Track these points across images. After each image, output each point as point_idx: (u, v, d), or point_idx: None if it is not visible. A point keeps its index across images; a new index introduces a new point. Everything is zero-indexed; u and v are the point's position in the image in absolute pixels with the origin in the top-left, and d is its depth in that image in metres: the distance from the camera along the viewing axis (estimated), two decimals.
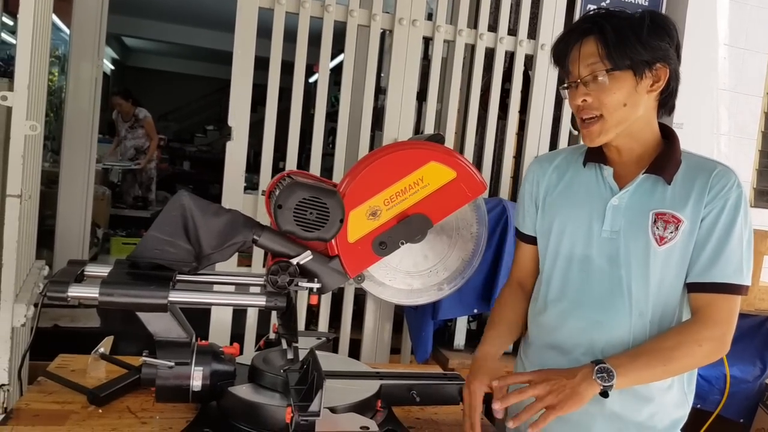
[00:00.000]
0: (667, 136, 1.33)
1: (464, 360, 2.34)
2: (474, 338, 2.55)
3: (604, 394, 1.16)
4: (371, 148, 2.64)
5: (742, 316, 1.27)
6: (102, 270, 1.25)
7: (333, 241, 1.30)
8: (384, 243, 1.33)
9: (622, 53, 1.21)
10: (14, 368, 1.64)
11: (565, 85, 1.30)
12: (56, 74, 5.71)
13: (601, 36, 1.22)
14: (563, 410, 1.12)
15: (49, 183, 3.98)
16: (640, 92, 1.24)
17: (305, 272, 1.29)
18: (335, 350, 2.56)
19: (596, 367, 1.16)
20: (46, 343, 1.95)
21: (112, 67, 10.57)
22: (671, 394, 1.32)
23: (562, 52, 1.29)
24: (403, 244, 1.34)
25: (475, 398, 1.26)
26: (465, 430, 1.25)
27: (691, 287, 1.27)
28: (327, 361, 1.47)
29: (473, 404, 1.26)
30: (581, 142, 1.44)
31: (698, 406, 2.58)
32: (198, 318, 1.99)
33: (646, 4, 2.81)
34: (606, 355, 1.24)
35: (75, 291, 1.15)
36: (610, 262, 1.30)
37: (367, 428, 1.12)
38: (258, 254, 2.43)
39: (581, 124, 1.30)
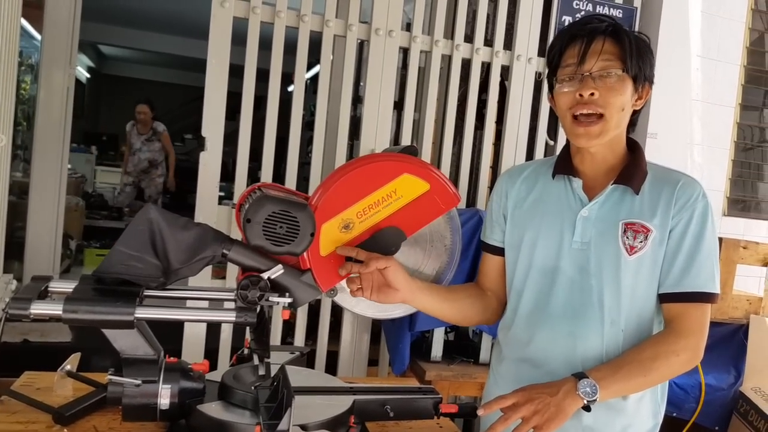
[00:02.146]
0: (632, 148, 1.35)
1: (441, 371, 2.33)
2: (451, 350, 2.54)
3: (587, 408, 1.16)
4: (348, 157, 2.63)
5: (716, 324, 1.28)
6: (67, 286, 1.21)
7: (305, 254, 1.28)
8: None
9: (636, 60, 1.24)
10: None
11: (564, 77, 1.28)
12: (29, 83, 5.61)
13: (624, 39, 1.25)
14: (550, 429, 1.12)
15: (21, 193, 3.91)
16: (631, 103, 1.28)
17: (276, 286, 1.26)
18: (311, 363, 2.53)
19: (579, 382, 1.16)
20: (15, 359, 1.90)
21: (88, 76, 10.45)
22: (644, 405, 1.32)
23: (580, 41, 1.26)
24: None
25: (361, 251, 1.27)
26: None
27: (664, 297, 1.28)
28: (300, 376, 1.45)
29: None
30: (557, 152, 1.44)
31: (674, 414, 2.60)
32: (171, 333, 1.96)
33: (621, 16, 2.84)
34: (581, 366, 1.24)
35: (38, 308, 1.11)
36: (581, 273, 1.30)
37: None
38: (233, 266, 2.40)
39: (574, 123, 1.28)
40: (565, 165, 1.36)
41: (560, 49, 1.30)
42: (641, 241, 1.26)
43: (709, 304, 1.26)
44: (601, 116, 1.25)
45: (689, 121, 3.08)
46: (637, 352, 1.24)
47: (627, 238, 1.27)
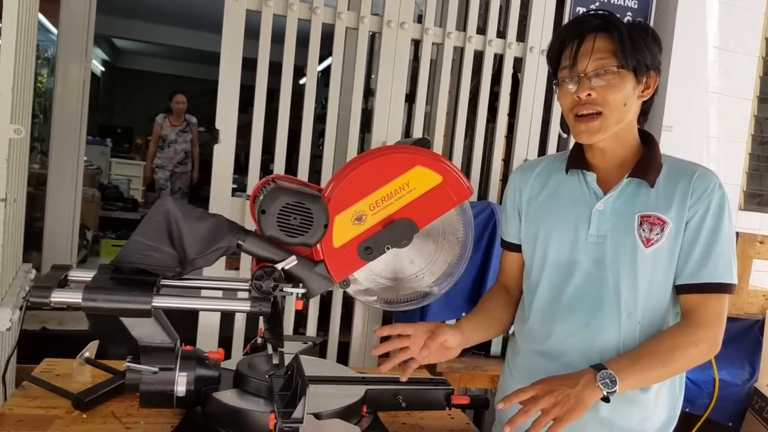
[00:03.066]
0: (647, 140, 1.35)
1: (452, 364, 2.34)
2: None
3: (606, 399, 1.16)
4: (360, 150, 2.64)
5: (732, 320, 1.28)
6: (86, 275, 1.24)
7: (318, 245, 1.29)
8: (369, 248, 1.32)
9: (632, 53, 1.23)
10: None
11: (564, 78, 1.29)
12: (45, 76, 5.67)
13: (615, 33, 1.24)
14: (570, 421, 1.12)
15: (38, 185, 3.96)
16: (635, 96, 1.27)
17: (290, 277, 1.28)
18: (323, 354, 2.55)
19: (599, 373, 1.16)
20: (34, 346, 1.94)
21: (103, 69, 10.52)
22: (661, 397, 1.32)
23: (571, 42, 1.27)
24: (388, 249, 1.34)
25: (408, 326, 1.34)
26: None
27: (682, 289, 1.28)
28: (313, 366, 1.47)
29: (402, 325, 1.34)
30: (570, 146, 1.44)
31: (687, 410, 2.59)
32: (186, 322, 1.99)
33: (636, 7, 2.82)
34: (598, 359, 1.25)
35: (58, 296, 1.14)
36: (597, 266, 1.30)
37: None
38: (246, 257, 2.42)
39: (576, 120, 1.29)
40: (578, 159, 1.37)
41: (556, 51, 1.31)
42: (657, 234, 1.26)
43: (726, 294, 1.26)
44: (600, 113, 1.26)
45: (705, 114, 3.05)
46: (655, 343, 1.24)
47: (643, 230, 1.27)
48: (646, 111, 1.34)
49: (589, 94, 1.25)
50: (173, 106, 6.56)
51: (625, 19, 1.29)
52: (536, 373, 1.29)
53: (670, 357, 1.22)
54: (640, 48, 1.24)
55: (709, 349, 1.24)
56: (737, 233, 2.51)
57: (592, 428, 1.30)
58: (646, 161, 1.31)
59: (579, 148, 1.38)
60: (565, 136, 2.80)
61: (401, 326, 1.34)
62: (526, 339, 1.42)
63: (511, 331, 1.52)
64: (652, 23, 2.77)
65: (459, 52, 2.66)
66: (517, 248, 1.46)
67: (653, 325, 1.29)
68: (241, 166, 2.51)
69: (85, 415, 1.28)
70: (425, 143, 1.41)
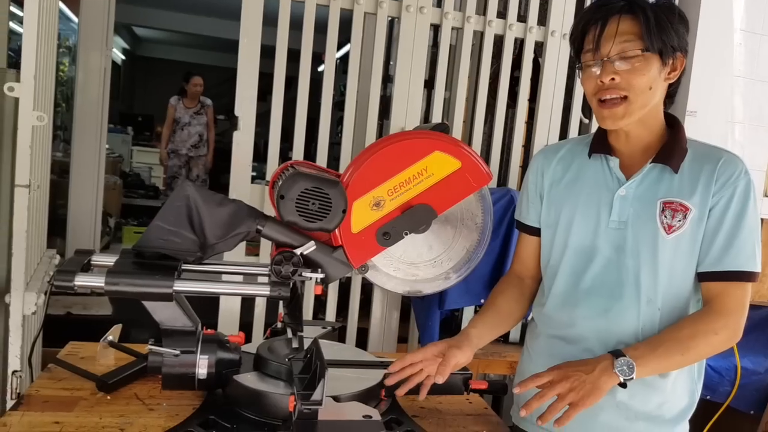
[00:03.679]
0: (672, 124, 1.33)
1: None
2: None
3: (623, 385, 1.16)
4: (378, 137, 2.63)
5: (754, 307, 1.27)
6: (108, 259, 1.26)
7: (336, 231, 1.30)
8: (388, 233, 1.33)
9: (657, 36, 1.20)
10: (25, 355, 1.67)
11: (587, 63, 1.26)
12: (67, 65, 5.73)
13: (640, 14, 1.21)
14: (585, 406, 1.13)
15: (62, 173, 4.02)
16: (661, 78, 1.24)
17: (309, 262, 1.29)
18: (342, 339, 2.57)
19: (616, 360, 1.16)
20: (59, 330, 1.98)
21: (123, 58, 10.60)
22: (680, 383, 1.32)
23: (594, 25, 1.25)
24: (407, 234, 1.34)
25: (420, 350, 1.33)
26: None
27: (704, 276, 1.26)
28: (333, 350, 1.48)
29: (416, 352, 1.32)
30: (592, 131, 1.42)
31: (708, 397, 2.57)
32: (208, 307, 2.01)
33: None
34: (617, 345, 1.24)
35: (81, 280, 1.16)
36: (618, 252, 1.30)
37: (370, 417, 1.12)
38: (266, 243, 2.44)
39: (600, 105, 1.26)
40: (601, 144, 1.35)
41: (579, 34, 1.29)
42: (680, 220, 1.25)
43: (749, 283, 1.24)
44: (625, 98, 1.23)
45: (730, 99, 3.00)
46: (675, 331, 1.23)
47: (665, 217, 1.25)
48: (672, 93, 1.31)
49: (613, 79, 1.22)
50: (190, 88, 6.41)
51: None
52: (555, 357, 1.29)
53: (690, 345, 1.21)
54: (666, 29, 1.21)
55: (729, 338, 1.23)
56: (762, 220, 2.47)
57: (609, 413, 1.30)
58: (670, 146, 1.29)
59: (602, 131, 1.36)
60: (586, 121, 2.77)
61: (411, 356, 1.32)
62: (545, 323, 1.42)
63: (530, 317, 1.52)
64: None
65: (479, 36, 2.63)
66: (535, 232, 1.45)
67: (674, 312, 1.28)
68: (260, 154, 2.52)
69: (108, 397, 1.31)
70: (444, 128, 1.40)
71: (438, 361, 1.30)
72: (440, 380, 1.27)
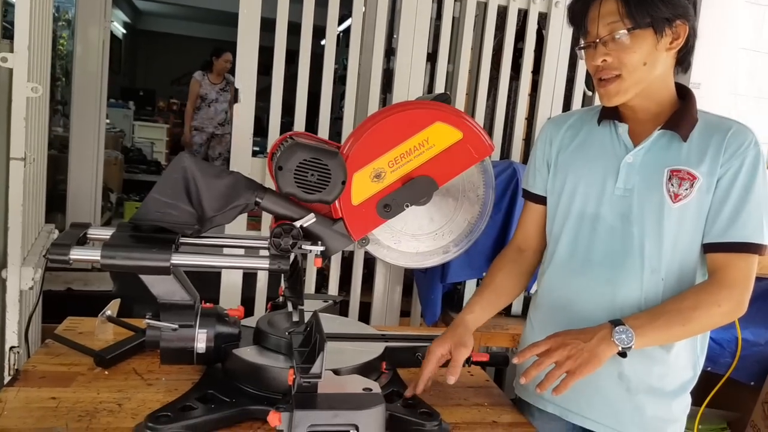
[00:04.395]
0: (684, 95, 1.30)
1: None
2: None
3: (622, 354, 1.15)
4: None
5: (756, 279, 1.25)
6: (104, 233, 1.24)
7: (336, 203, 1.28)
8: (388, 205, 1.31)
9: (643, 11, 1.17)
10: (23, 331, 1.66)
11: (582, 45, 1.27)
12: (66, 38, 5.67)
13: None
14: (582, 374, 1.12)
15: (62, 147, 4.00)
16: (660, 50, 1.21)
17: (309, 235, 1.27)
18: (345, 313, 2.57)
19: (615, 329, 1.15)
20: (60, 306, 1.97)
21: (124, 31, 10.51)
22: (683, 355, 1.31)
23: (579, 11, 1.25)
24: (408, 206, 1.32)
25: (430, 358, 1.29)
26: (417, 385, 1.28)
27: (709, 247, 1.25)
28: (334, 323, 1.47)
29: (427, 363, 1.29)
30: (596, 103, 1.40)
31: (708, 368, 2.57)
32: (209, 281, 2.01)
33: None
34: (620, 314, 1.23)
35: (77, 254, 1.14)
36: (623, 220, 1.28)
37: (370, 389, 1.11)
38: (267, 219, 2.42)
39: (598, 83, 1.27)
40: (612, 110, 1.33)
41: (570, 18, 1.29)
42: (686, 189, 1.23)
43: (756, 255, 1.22)
44: (619, 75, 1.22)
45: (735, 71, 2.96)
46: (677, 301, 1.22)
47: (672, 185, 1.24)
48: (682, 60, 1.28)
49: (604, 60, 1.22)
50: (219, 64, 6.02)
51: None
52: (556, 325, 1.28)
53: (691, 316, 1.19)
54: (651, 3, 1.18)
55: (732, 310, 1.21)
56: None
57: (610, 383, 1.30)
58: (680, 114, 1.27)
59: None
60: (590, 93, 2.74)
61: (427, 371, 1.29)
62: (548, 292, 1.41)
63: (533, 290, 1.51)
64: None
65: (482, 7, 2.59)
66: (541, 200, 1.43)
67: (679, 283, 1.26)
68: (264, 129, 2.49)
69: (107, 372, 1.30)
70: (445, 98, 1.37)
71: (450, 368, 1.29)
72: (452, 380, 1.26)
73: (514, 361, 1.23)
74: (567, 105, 2.69)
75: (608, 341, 1.14)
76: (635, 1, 1.18)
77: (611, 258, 1.29)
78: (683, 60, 1.28)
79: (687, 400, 1.35)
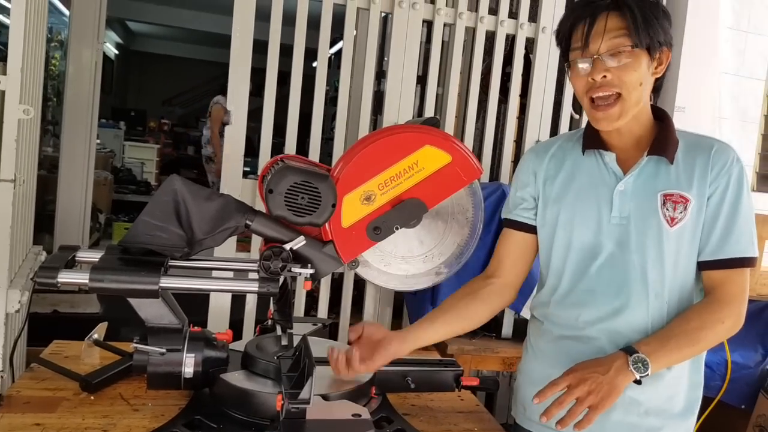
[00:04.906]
0: (660, 117, 1.32)
1: (463, 345, 2.33)
2: None
3: (638, 381, 1.16)
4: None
5: None
6: (93, 255, 1.24)
7: (327, 225, 1.29)
8: (378, 228, 1.31)
9: (645, 32, 1.20)
10: (8, 354, 1.64)
11: (576, 60, 1.24)
12: (58, 59, 5.68)
13: (627, 12, 1.20)
14: (605, 408, 1.12)
15: (52, 168, 3.99)
16: (649, 73, 1.24)
17: (299, 257, 1.27)
18: (334, 336, 2.55)
19: (630, 357, 1.15)
20: (46, 328, 1.95)
21: (116, 52, 10.54)
22: (687, 375, 1.31)
23: (578, 25, 1.24)
24: (397, 229, 1.32)
25: (348, 351, 1.26)
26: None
27: (705, 265, 1.26)
28: (324, 348, 1.47)
29: (345, 352, 1.26)
30: (582, 126, 1.41)
31: None
32: (197, 303, 1.99)
33: None
34: (627, 341, 1.23)
35: (65, 277, 1.14)
36: (621, 248, 1.28)
37: (359, 415, 1.11)
38: (257, 241, 2.42)
39: (592, 105, 1.25)
40: (594, 139, 1.33)
41: (567, 32, 1.27)
42: (681, 212, 1.24)
43: (749, 268, 1.25)
44: (618, 96, 1.22)
45: (718, 95, 3.00)
46: (683, 323, 1.23)
47: (667, 209, 1.25)
48: (658, 87, 1.30)
49: (605, 76, 1.21)
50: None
51: None
52: (564, 356, 1.28)
53: (699, 336, 1.21)
54: (653, 24, 1.20)
55: (735, 324, 1.24)
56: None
57: (620, 410, 1.27)
58: (662, 138, 1.28)
59: (593, 127, 1.34)
60: (577, 117, 2.77)
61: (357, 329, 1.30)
62: (552, 323, 1.38)
63: (529, 315, 1.48)
64: (664, 2, 2.71)
65: (471, 32, 2.62)
66: (526, 228, 1.40)
67: (680, 303, 1.27)
68: (255, 149, 2.50)
69: (92, 397, 1.28)
70: (434, 122, 1.39)
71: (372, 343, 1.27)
72: (363, 369, 1.24)
73: (534, 401, 1.17)
74: (555, 127, 2.71)
75: (625, 371, 1.14)
76: (641, 20, 1.19)
77: (615, 287, 1.28)
78: (659, 87, 1.30)
79: (693, 422, 1.35)
